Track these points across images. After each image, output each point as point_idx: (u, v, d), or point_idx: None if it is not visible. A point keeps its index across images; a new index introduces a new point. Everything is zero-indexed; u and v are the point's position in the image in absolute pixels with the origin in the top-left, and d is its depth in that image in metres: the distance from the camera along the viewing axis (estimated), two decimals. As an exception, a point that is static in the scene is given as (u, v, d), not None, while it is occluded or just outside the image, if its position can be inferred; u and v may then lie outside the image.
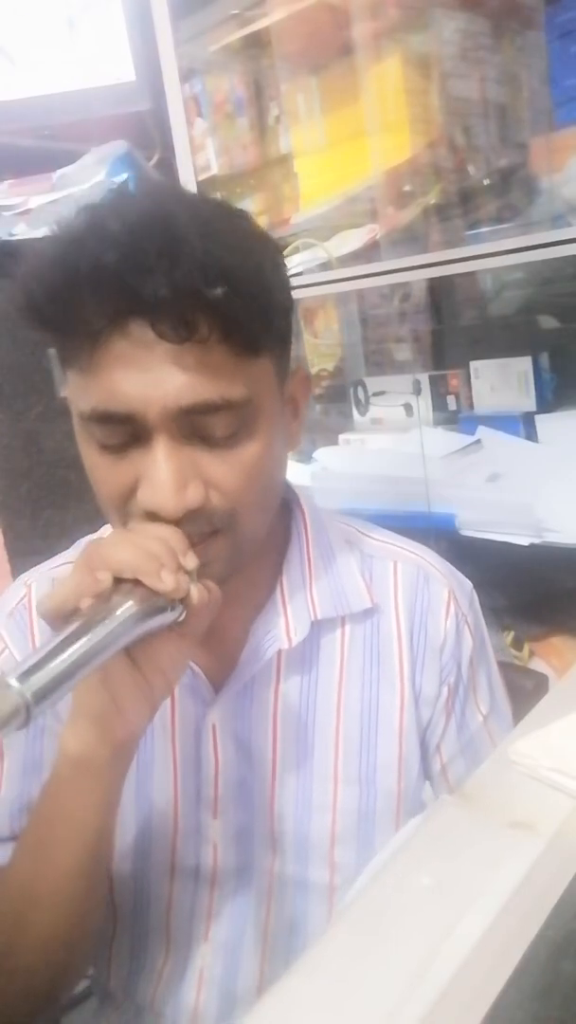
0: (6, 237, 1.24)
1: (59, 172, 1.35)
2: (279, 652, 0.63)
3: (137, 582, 0.48)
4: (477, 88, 1.09)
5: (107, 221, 0.50)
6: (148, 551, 0.48)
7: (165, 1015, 0.68)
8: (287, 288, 0.59)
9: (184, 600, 0.50)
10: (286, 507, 0.69)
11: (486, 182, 1.09)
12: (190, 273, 0.47)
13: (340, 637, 0.66)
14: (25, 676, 0.40)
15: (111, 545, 0.50)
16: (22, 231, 1.27)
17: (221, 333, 0.50)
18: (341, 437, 1.45)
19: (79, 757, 0.52)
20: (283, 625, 0.63)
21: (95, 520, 0.62)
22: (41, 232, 1.21)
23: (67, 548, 0.71)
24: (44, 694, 0.40)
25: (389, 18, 1.10)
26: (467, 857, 0.41)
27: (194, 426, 0.52)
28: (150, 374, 0.50)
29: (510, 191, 1.05)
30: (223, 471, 0.53)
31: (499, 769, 0.48)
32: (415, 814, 0.52)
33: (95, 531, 0.68)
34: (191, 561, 0.50)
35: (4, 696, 0.39)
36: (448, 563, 0.72)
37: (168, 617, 0.50)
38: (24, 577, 0.69)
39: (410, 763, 0.66)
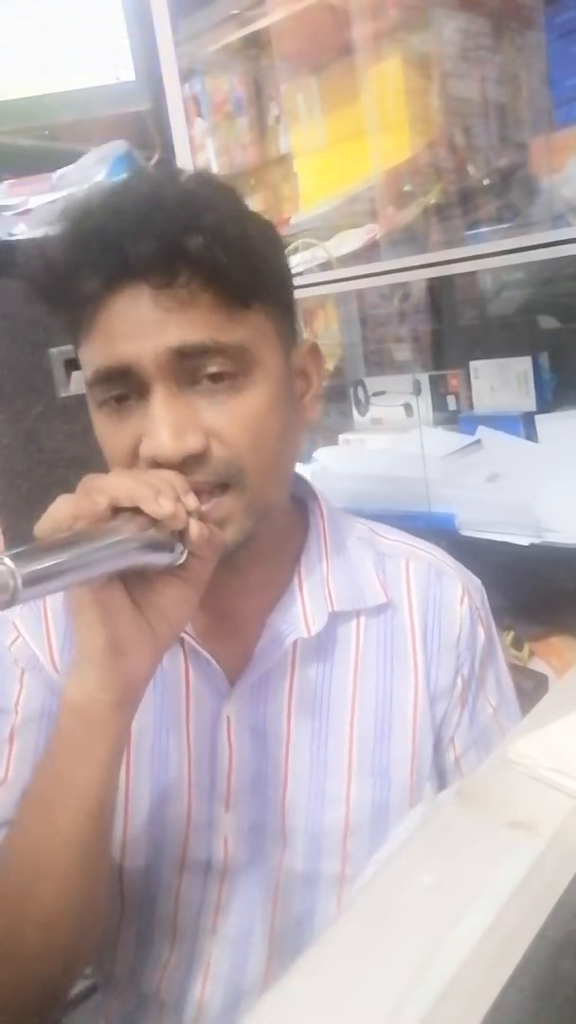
0: (6, 237, 1.23)
1: (59, 172, 1.34)
2: (295, 643, 0.64)
3: (136, 511, 0.48)
4: (477, 88, 1.09)
5: (96, 197, 0.55)
6: (147, 481, 0.50)
7: (170, 1005, 0.68)
8: (277, 250, 0.61)
9: (184, 538, 0.50)
10: (303, 501, 0.71)
11: (486, 182, 1.08)
12: (170, 226, 0.51)
13: (355, 630, 0.67)
14: (19, 559, 0.40)
15: (110, 475, 0.51)
16: (22, 231, 1.26)
17: (203, 280, 0.53)
18: (341, 437, 1.45)
19: (80, 704, 0.51)
20: (301, 614, 0.64)
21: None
22: (41, 232, 1.21)
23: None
24: (33, 580, 0.41)
25: (389, 18, 1.10)
26: (467, 857, 0.41)
27: (189, 372, 0.54)
28: (142, 325, 0.53)
29: (510, 191, 1.05)
30: (223, 420, 0.55)
31: (499, 769, 0.48)
32: (424, 810, 0.52)
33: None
34: (192, 501, 0.51)
35: None
36: (458, 562, 0.73)
37: (167, 558, 0.50)
38: None
39: (423, 758, 0.67)
